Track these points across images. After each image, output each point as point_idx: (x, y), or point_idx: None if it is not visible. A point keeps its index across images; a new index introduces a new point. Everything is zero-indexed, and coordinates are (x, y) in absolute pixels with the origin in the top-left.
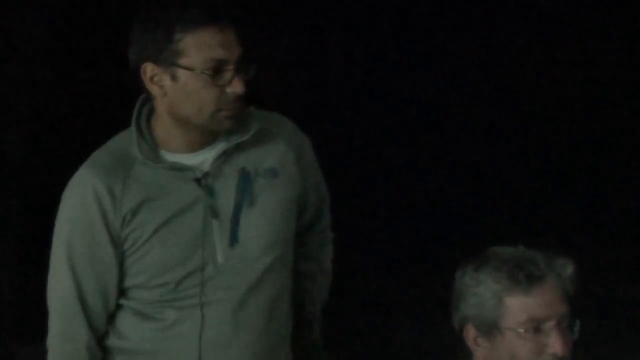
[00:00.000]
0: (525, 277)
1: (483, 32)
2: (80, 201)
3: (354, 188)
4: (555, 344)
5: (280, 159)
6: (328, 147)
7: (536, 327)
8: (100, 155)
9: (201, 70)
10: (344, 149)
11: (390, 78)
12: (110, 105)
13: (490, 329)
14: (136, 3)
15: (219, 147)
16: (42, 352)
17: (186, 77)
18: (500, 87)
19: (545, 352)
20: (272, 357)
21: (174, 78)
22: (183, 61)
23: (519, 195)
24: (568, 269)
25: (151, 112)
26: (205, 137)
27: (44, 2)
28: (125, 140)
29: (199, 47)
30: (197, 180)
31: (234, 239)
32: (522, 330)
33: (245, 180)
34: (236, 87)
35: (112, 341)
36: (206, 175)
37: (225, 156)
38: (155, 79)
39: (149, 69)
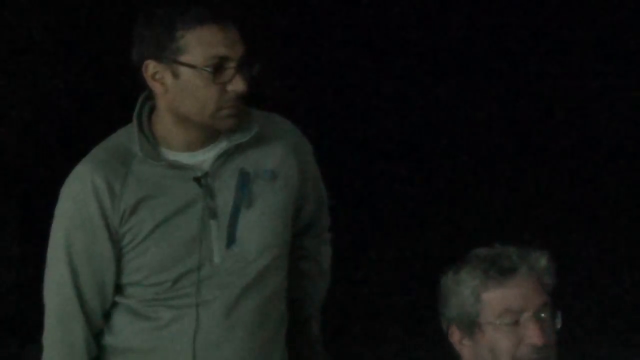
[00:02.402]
0: (497, 271)
1: (482, 32)
2: (79, 196)
3: (353, 189)
4: (532, 334)
5: (279, 161)
6: (328, 147)
7: (513, 319)
8: (100, 151)
9: (202, 68)
10: (344, 149)
11: (390, 79)
12: (110, 103)
13: (471, 327)
14: (136, 2)
15: (219, 147)
16: (42, 351)
17: (187, 75)
18: (500, 87)
19: (523, 343)
20: (267, 357)
21: (175, 75)
22: (184, 58)
23: (517, 196)
24: (542, 260)
25: (152, 110)
26: (206, 136)
27: (43, 1)
28: (126, 137)
29: (200, 44)
30: (197, 180)
31: (231, 240)
32: (499, 323)
33: (244, 181)
34: (238, 85)
35: (107, 339)
36: (206, 175)
37: (225, 156)
38: (157, 76)
39: (150, 66)
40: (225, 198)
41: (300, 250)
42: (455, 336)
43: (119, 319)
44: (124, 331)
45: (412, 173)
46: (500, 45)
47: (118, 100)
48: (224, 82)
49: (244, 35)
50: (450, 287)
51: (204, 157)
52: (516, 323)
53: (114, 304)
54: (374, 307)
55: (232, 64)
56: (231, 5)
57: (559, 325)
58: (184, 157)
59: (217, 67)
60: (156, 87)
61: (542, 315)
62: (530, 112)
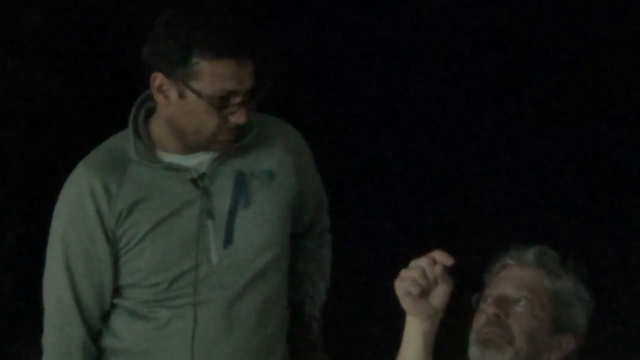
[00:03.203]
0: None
1: (482, 33)
2: (76, 198)
3: (352, 189)
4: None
5: (277, 162)
6: (327, 148)
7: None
8: (97, 154)
9: (208, 99)
10: (343, 150)
11: (390, 80)
12: (109, 105)
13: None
14: (136, 3)
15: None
16: (42, 352)
17: (192, 99)
18: (500, 87)
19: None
20: (266, 356)
21: (181, 95)
22: (194, 84)
23: (517, 195)
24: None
25: (150, 112)
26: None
27: (43, 0)
28: (122, 139)
29: (212, 75)
30: (194, 181)
31: (228, 240)
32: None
33: (241, 182)
34: (239, 118)
35: (106, 341)
36: (203, 176)
37: (222, 158)
38: (163, 88)
39: (158, 79)
40: (222, 199)
41: (300, 251)
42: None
43: (118, 321)
44: (123, 332)
45: (412, 173)
46: (499, 44)
47: (118, 102)
48: (227, 114)
49: (258, 65)
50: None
51: (201, 159)
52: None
53: (113, 306)
54: (374, 307)
55: (238, 98)
56: (254, 36)
57: (536, 322)
58: (181, 159)
59: (223, 100)
60: (160, 99)
61: (520, 304)
62: (531, 113)
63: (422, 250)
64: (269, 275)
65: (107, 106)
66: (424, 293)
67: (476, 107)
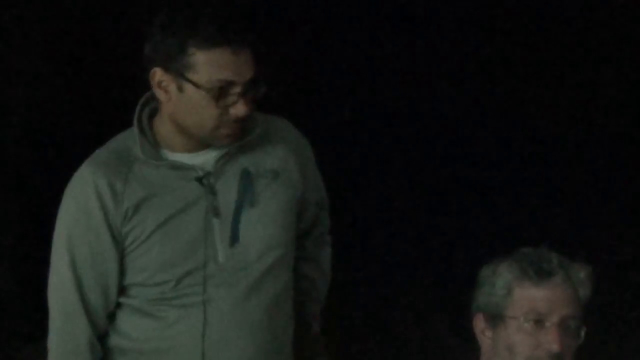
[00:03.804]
0: (535, 271)
1: (483, 36)
2: (82, 197)
3: (353, 190)
4: (551, 339)
5: (281, 161)
6: (327, 149)
7: (537, 320)
8: (102, 153)
9: (206, 90)
10: (344, 151)
11: (390, 81)
12: (111, 105)
13: (496, 318)
14: (136, 3)
15: (221, 147)
16: (43, 352)
17: (192, 91)
18: (501, 87)
19: (541, 347)
20: (274, 355)
21: (180, 89)
22: (191, 76)
23: (521, 198)
24: (581, 272)
25: (154, 111)
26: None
27: (43, 1)
28: (127, 139)
29: (209, 65)
30: (199, 180)
31: (234, 239)
32: (523, 320)
33: (247, 181)
34: (239, 110)
35: (113, 340)
36: (208, 174)
37: (227, 157)
38: (163, 84)
39: (158, 74)
40: (227, 197)
41: (301, 251)
42: (479, 325)
43: (125, 320)
44: (131, 332)
45: (412, 173)
46: (498, 46)
47: (119, 102)
48: (226, 105)
49: (256, 56)
50: (487, 276)
51: (206, 158)
52: (540, 326)
53: (120, 305)
54: (374, 308)
55: (236, 89)
56: (248, 24)
57: (580, 340)
58: (186, 158)
59: (221, 90)
60: (160, 95)
61: (568, 325)
62: (532, 113)
63: (422, 250)
64: (276, 274)
65: (107, 106)
66: None
67: (476, 107)
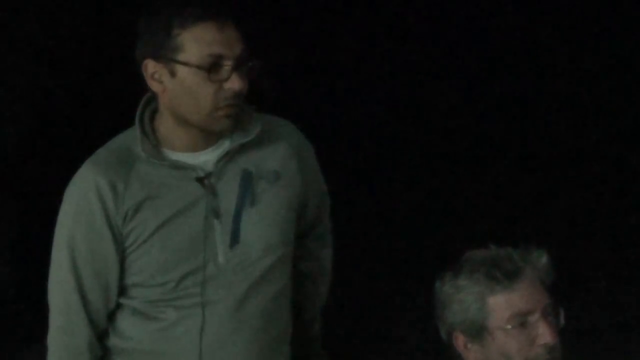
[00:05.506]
0: (503, 275)
1: (484, 36)
2: (83, 197)
3: (353, 191)
4: (544, 333)
5: (282, 162)
6: (327, 149)
7: (522, 321)
8: (103, 152)
9: (197, 66)
10: (344, 151)
11: (390, 81)
12: (110, 105)
13: (479, 332)
14: (136, 3)
15: (222, 147)
16: (43, 352)
17: (184, 73)
18: (500, 88)
19: (536, 344)
20: (272, 356)
21: (172, 74)
22: (181, 57)
23: (517, 198)
24: (542, 259)
25: (155, 111)
26: (208, 137)
27: (43, 2)
28: (128, 138)
29: (196, 42)
30: (200, 180)
31: (235, 240)
32: (509, 327)
33: (247, 181)
34: (234, 84)
35: (113, 341)
36: (209, 175)
37: (228, 157)
38: (156, 75)
39: (150, 66)
40: (228, 198)
41: (301, 251)
42: (460, 341)
43: (125, 320)
44: (130, 332)
45: (412, 173)
46: (498, 45)
47: (119, 102)
48: (220, 80)
49: (244, 33)
50: (450, 294)
51: (207, 158)
52: (525, 325)
53: (120, 306)
54: (374, 308)
55: (228, 63)
56: (230, 2)
57: (562, 323)
58: (187, 158)
59: (213, 66)
60: (155, 87)
61: (549, 312)
62: (532, 114)
63: (422, 250)
64: (275, 275)
65: (107, 106)
66: None
67: (476, 107)
